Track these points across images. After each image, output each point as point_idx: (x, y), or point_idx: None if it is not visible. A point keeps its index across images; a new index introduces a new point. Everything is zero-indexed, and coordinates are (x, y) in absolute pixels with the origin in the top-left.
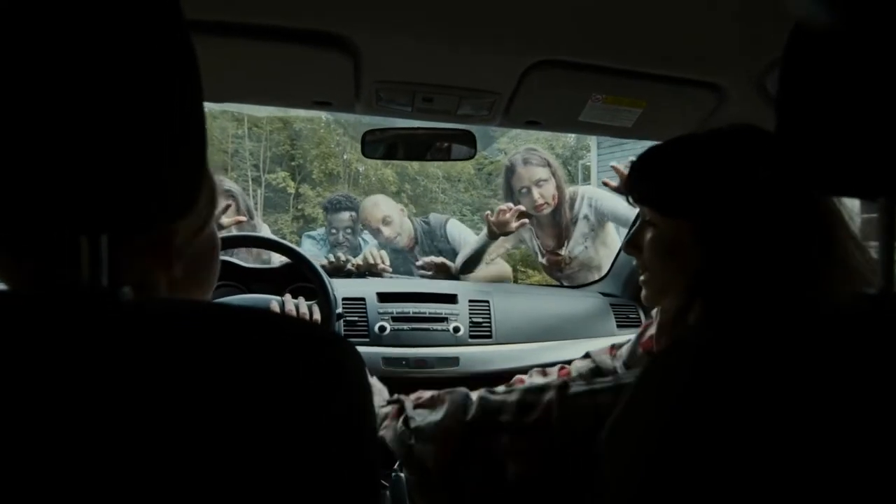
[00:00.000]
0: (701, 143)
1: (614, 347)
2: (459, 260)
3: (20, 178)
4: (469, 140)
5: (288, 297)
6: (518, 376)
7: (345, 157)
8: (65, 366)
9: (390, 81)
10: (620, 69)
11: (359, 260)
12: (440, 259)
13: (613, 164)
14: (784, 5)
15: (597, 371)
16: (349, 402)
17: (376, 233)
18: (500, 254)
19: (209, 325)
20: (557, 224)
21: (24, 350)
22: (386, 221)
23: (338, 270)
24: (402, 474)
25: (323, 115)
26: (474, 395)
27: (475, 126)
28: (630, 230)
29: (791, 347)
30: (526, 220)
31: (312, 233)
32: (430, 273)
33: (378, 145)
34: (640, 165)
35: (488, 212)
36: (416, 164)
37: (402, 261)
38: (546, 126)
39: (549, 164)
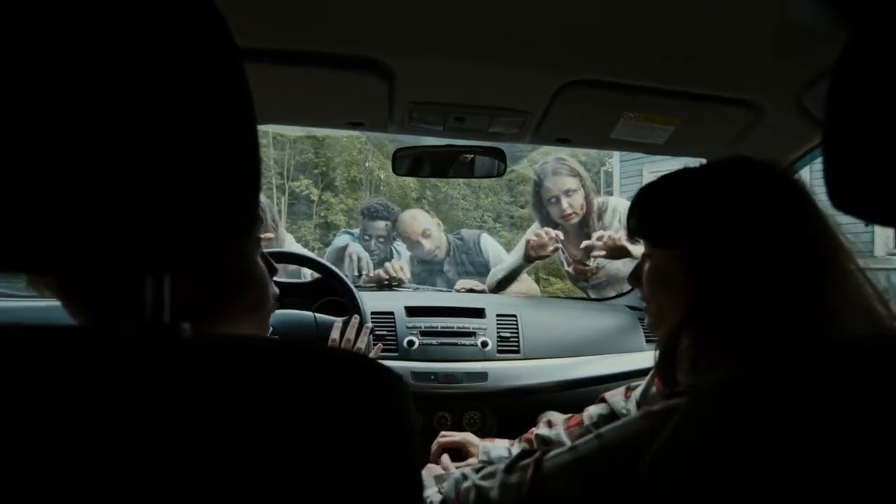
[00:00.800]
0: (693, 176)
1: (629, 389)
2: (492, 279)
3: (87, 219)
4: (499, 156)
5: (339, 323)
6: (532, 429)
7: (367, 164)
8: (129, 404)
9: (423, 102)
10: (653, 88)
11: (381, 272)
12: (475, 283)
13: (529, 239)
14: (788, 9)
15: (610, 416)
16: (398, 442)
17: (415, 245)
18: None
19: (265, 361)
20: (585, 234)
21: (91, 388)
22: (426, 234)
23: (379, 282)
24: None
25: None
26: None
27: (504, 144)
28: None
29: (836, 385)
30: (560, 246)
31: (351, 230)
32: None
33: (409, 161)
34: (637, 200)
35: (533, 237)
36: None
37: (429, 273)
38: (576, 143)
39: (578, 175)
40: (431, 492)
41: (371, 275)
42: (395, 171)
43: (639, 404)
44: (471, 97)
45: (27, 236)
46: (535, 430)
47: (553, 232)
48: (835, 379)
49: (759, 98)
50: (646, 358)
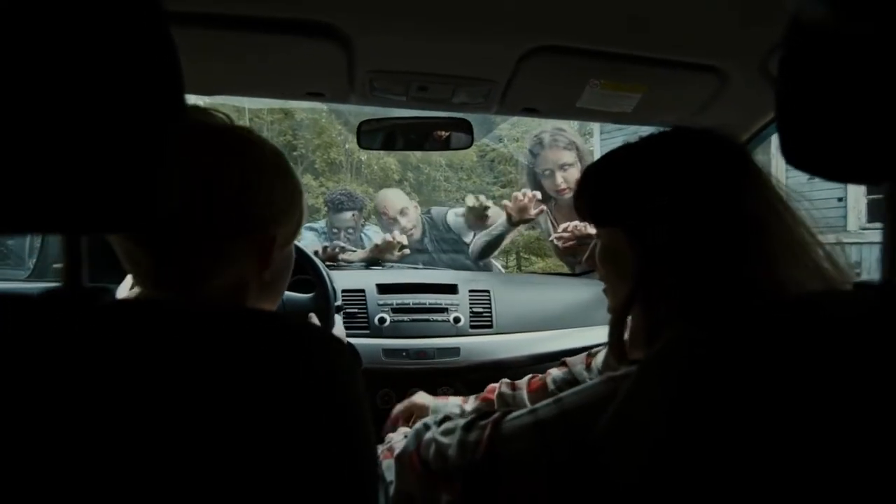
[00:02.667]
0: (632, 151)
1: (590, 356)
2: (477, 246)
3: (13, 181)
4: (465, 128)
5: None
6: (490, 385)
7: (346, 146)
8: (31, 367)
9: (384, 71)
10: (619, 53)
11: (377, 244)
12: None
13: (505, 202)
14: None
15: (571, 381)
16: (342, 405)
17: (392, 223)
18: (516, 234)
19: (180, 324)
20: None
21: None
22: (403, 212)
23: (331, 259)
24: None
25: (324, 105)
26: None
27: (473, 114)
28: None
29: (792, 341)
30: (544, 208)
31: (314, 224)
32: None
33: (374, 135)
34: (581, 182)
35: (506, 201)
36: (418, 153)
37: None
38: (543, 113)
39: (576, 148)
40: (397, 437)
41: (362, 254)
42: (360, 144)
43: (599, 373)
44: (432, 65)
45: None
46: (495, 388)
47: (530, 193)
48: (779, 335)
49: (725, 64)
50: None
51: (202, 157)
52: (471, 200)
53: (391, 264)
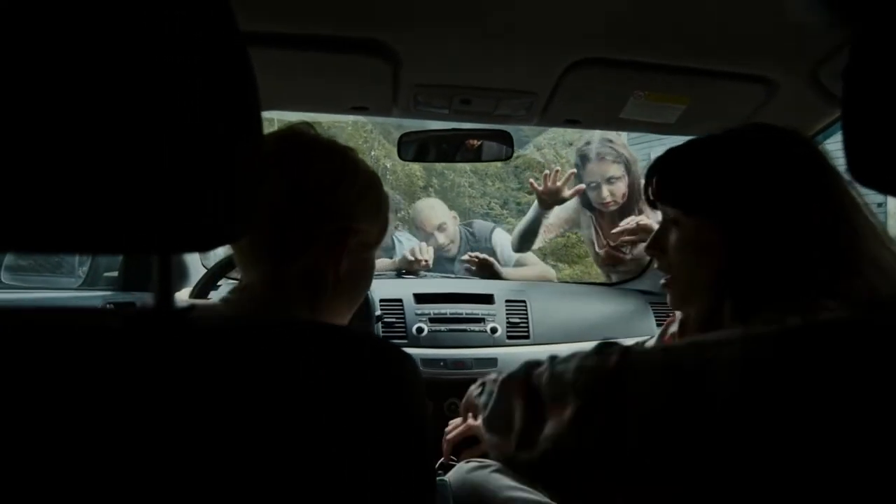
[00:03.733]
0: (723, 142)
1: (639, 345)
2: (515, 236)
3: (98, 202)
4: (506, 140)
5: None
6: None
7: (372, 153)
8: (126, 386)
9: (428, 85)
10: (664, 65)
11: (404, 257)
12: (484, 256)
13: (531, 180)
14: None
15: None
16: (411, 414)
17: (428, 237)
18: (556, 234)
19: (270, 341)
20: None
21: (86, 373)
22: (441, 228)
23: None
24: (446, 479)
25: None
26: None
27: (510, 126)
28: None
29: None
30: (582, 187)
31: None
32: (473, 268)
33: (414, 147)
34: (663, 166)
35: (532, 180)
36: None
37: (438, 262)
38: (585, 124)
39: (625, 161)
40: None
41: (388, 264)
42: (400, 156)
43: None
44: (476, 79)
45: (42, 217)
46: None
47: (556, 169)
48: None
49: (773, 74)
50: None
51: (299, 156)
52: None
53: (424, 273)
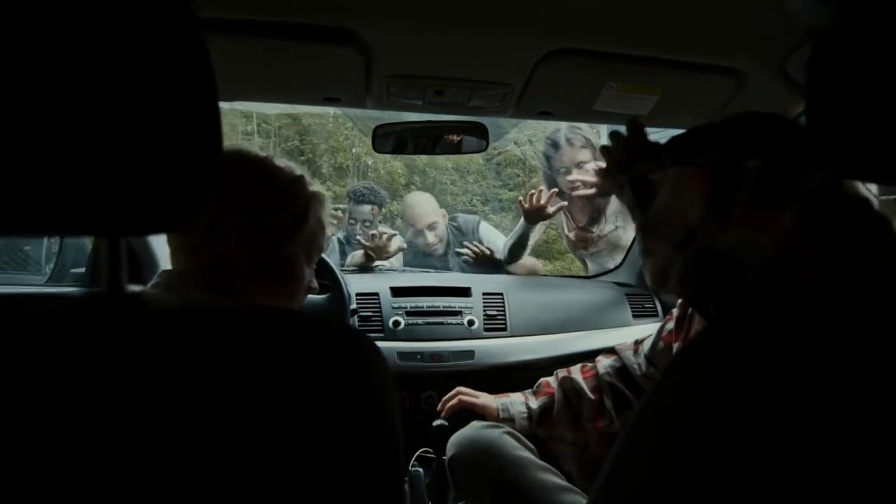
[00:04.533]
0: (724, 130)
1: (638, 343)
2: (505, 249)
3: (48, 184)
4: (481, 132)
5: None
6: (543, 380)
7: (354, 150)
8: (75, 368)
9: (401, 75)
10: (637, 56)
11: (363, 239)
12: (483, 248)
13: (520, 199)
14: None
15: (623, 369)
16: (369, 396)
17: (418, 234)
18: (539, 235)
19: (224, 326)
20: (594, 203)
21: (28, 350)
22: (431, 227)
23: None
24: (420, 469)
25: (331, 109)
26: None
27: (486, 118)
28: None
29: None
30: (564, 204)
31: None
32: (471, 261)
33: (389, 139)
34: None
35: (521, 198)
36: (425, 157)
37: (425, 260)
38: (559, 116)
39: (592, 146)
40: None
41: (354, 259)
42: (375, 148)
43: (647, 358)
44: (450, 69)
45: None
46: (548, 381)
47: (547, 191)
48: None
49: (743, 65)
50: (633, 332)
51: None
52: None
53: (403, 268)
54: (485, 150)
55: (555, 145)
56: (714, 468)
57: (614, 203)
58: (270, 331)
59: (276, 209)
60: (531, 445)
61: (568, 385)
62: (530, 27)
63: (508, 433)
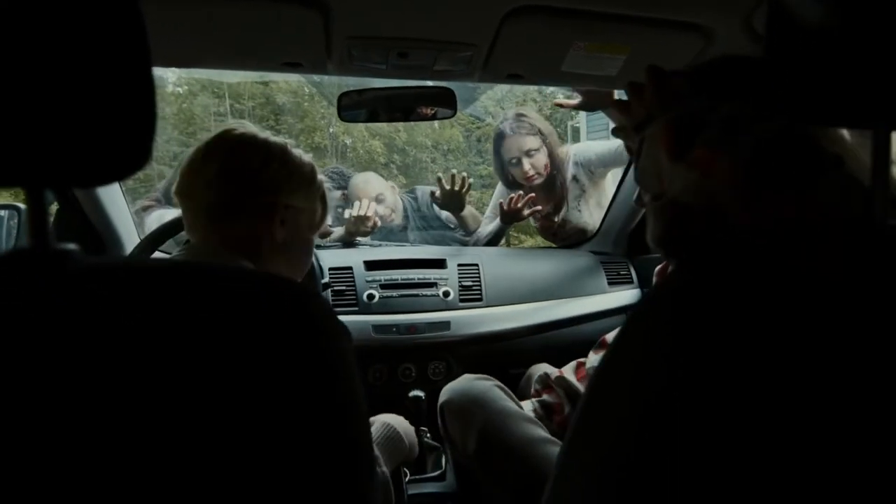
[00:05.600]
0: (694, 75)
1: None
2: (480, 240)
3: None
4: (448, 97)
5: None
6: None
7: (331, 130)
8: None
9: (362, 37)
10: (602, 13)
11: (349, 219)
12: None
13: (500, 202)
14: None
15: None
16: (322, 363)
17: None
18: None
19: (158, 280)
20: (553, 191)
21: None
22: (379, 199)
23: (323, 235)
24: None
25: (305, 87)
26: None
27: (456, 84)
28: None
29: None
30: (539, 208)
31: None
32: (439, 201)
33: (356, 109)
34: None
35: (501, 200)
36: (403, 135)
37: (388, 234)
38: (528, 79)
39: (539, 132)
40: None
41: (337, 234)
42: (341, 117)
43: None
44: (412, 30)
45: None
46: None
47: (524, 195)
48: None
49: (710, 20)
50: (609, 300)
51: (225, 145)
52: (445, 181)
53: (378, 242)
54: (453, 115)
55: (501, 136)
56: (679, 421)
57: (572, 188)
58: (216, 284)
59: (303, 189)
60: (518, 401)
61: (565, 384)
62: None
63: (498, 386)
